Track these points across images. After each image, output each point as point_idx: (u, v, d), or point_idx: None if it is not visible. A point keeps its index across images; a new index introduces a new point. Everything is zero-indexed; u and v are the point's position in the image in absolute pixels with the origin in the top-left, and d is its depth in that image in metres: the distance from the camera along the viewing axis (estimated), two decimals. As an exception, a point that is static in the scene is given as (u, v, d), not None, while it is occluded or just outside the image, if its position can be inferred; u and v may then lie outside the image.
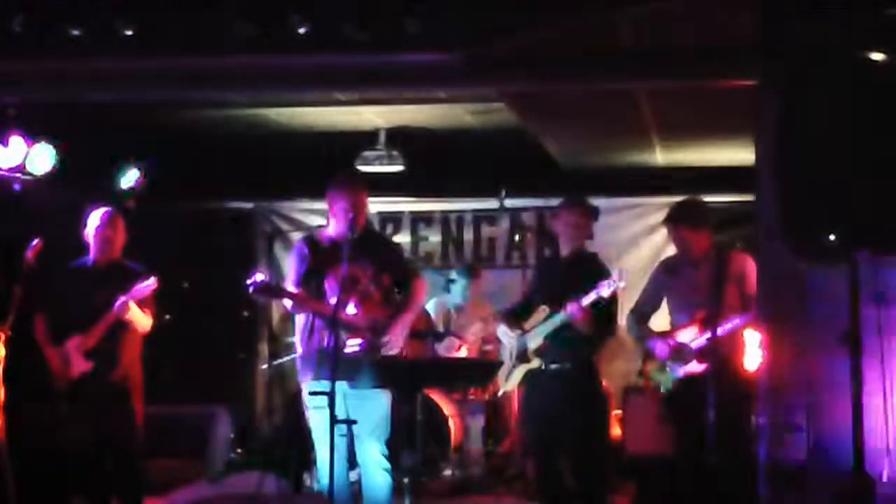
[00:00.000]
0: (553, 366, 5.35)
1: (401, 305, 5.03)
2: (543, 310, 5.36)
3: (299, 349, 5.03)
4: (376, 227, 8.21)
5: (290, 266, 5.12)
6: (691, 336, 5.29)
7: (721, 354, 5.03)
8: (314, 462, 7.09)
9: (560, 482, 5.37)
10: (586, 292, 5.12)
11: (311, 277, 4.92)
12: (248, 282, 4.81)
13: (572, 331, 5.23)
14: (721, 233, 5.51)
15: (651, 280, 5.69)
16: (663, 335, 5.46)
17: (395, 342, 4.91)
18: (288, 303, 4.99)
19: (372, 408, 4.85)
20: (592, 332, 5.23)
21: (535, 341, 5.38)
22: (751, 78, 4.64)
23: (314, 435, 4.91)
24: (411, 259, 6.28)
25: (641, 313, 5.60)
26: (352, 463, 5.01)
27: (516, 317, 5.53)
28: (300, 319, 5.03)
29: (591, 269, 5.28)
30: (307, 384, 4.90)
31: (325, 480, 4.70)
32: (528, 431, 5.84)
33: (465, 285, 7.88)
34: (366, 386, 4.77)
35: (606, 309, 5.24)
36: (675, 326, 5.44)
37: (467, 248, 8.98)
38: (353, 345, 4.82)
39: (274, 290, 4.94)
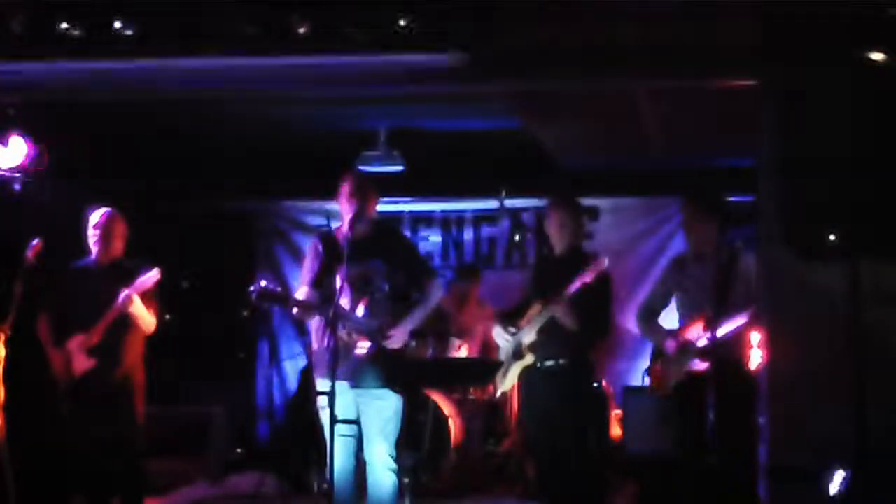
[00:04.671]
0: (547, 362, 5.39)
1: (414, 305, 5.00)
2: (537, 306, 5.40)
3: (314, 345, 5.02)
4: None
5: (304, 263, 5.10)
6: (697, 334, 5.29)
7: (723, 354, 5.04)
8: (315, 461, 7.13)
9: (560, 482, 5.38)
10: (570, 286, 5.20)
11: (325, 276, 4.91)
12: (251, 288, 4.79)
13: (563, 327, 5.28)
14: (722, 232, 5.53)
15: (661, 277, 5.72)
16: (671, 332, 5.48)
17: (398, 337, 4.90)
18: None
19: (381, 407, 4.84)
20: (578, 328, 5.27)
21: (528, 337, 5.41)
22: (751, 78, 4.64)
23: (324, 433, 4.91)
24: (426, 258, 6.30)
25: (650, 310, 5.61)
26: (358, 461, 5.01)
27: (512, 317, 5.56)
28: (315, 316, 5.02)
29: (584, 267, 5.31)
30: (319, 381, 4.90)
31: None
32: (527, 431, 5.85)
33: (466, 286, 7.89)
34: (369, 386, 4.78)
35: (593, 299, 5.27)
36: (682, 324, 5.45)
37: (467, 248, 8.99)
38: (362, 347, 4.81)
39: (277, 296, 4.91)
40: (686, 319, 5.43)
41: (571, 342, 5.35)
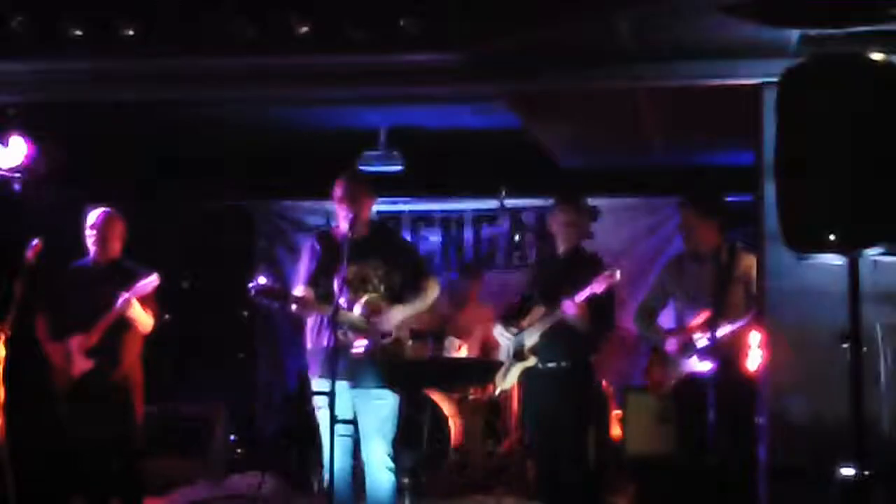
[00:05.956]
0: (549, 364, 5.40)
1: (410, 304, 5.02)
2: (540, 308, 5.39)
3: (308, 345, 5.03)
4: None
5: (301, 262, 5.12)
6: (696, 335, 5.30)
7: (723, 354, 5.04)
8: (315, 461, 7.13)
9: (560, 482, 5.38)
10: (581, 288, 5.17)
11: (321, 275, 4.92)
12: (250, 285, 4.80)
13: (568, 329, 5.27)
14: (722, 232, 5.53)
15: (659, 277, 5.73)
16: (671, 332, 5.48)
17: (386, 319, 4.88)
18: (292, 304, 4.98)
19: (378, 406, 4.86)
20: (588, 329, 5.27)
21: (531, 339, 5.41)
22: (751, 78, 4.64)
23: (320, 433, 4.91)
24: (423, 258, 6.33)
25: (648, 310, 5.62)
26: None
27: (514, 316, 5.57)
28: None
29: (588, 267, 5.32)
30: (314, 380, 4.91)
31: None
32: (527, 431, 5.85)
33: (466, 286, 7.89)
34: (367, 385, 4.78)
35: (602, 306, 5.27)
36: (681, 324, 5.45)
37: (467, 248, 8.99)
38: (359, 346, 4.82)
39: (276, 293, 4.92)
40: (684, 320, 5.43)
41: (575, 345, 5.34)
